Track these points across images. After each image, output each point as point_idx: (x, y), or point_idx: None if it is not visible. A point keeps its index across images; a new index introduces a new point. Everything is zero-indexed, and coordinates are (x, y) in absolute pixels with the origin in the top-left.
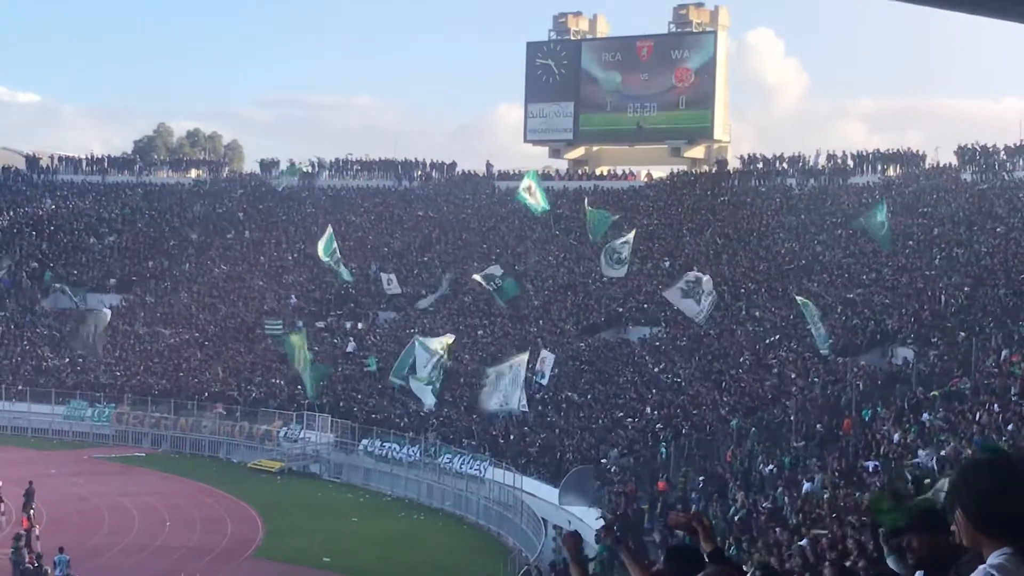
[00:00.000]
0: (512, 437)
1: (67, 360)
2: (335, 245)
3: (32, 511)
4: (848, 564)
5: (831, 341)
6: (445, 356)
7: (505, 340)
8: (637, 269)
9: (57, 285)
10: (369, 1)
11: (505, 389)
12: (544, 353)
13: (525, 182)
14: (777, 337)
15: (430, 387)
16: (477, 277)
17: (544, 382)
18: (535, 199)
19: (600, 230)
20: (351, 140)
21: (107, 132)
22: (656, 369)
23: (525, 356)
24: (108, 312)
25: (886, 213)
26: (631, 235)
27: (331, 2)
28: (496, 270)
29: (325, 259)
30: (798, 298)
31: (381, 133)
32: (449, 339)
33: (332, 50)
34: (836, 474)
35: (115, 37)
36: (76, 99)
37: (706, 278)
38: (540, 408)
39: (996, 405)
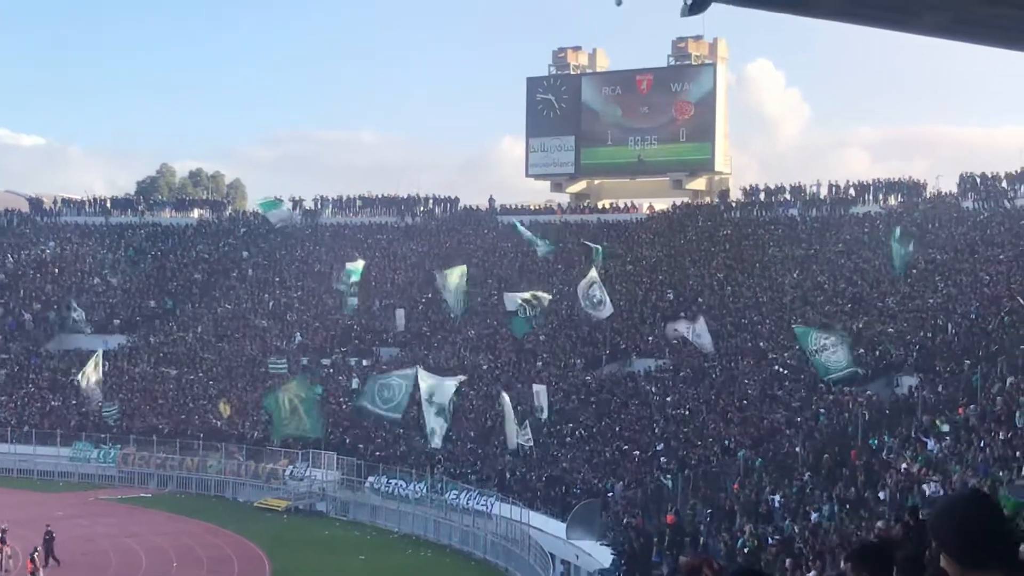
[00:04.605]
0: (518, 472)
1: (75, 401)
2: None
3: (36, 553)
4: None
5: (851, 369)
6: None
7: (510, 374)
8: (642, 301)
9: (75, 314)
10: (372, 37)
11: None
12: (536, 387)
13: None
14: (782, 368)
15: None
16: (516, 297)
17: (544, 416)
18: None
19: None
20: (356, 176)
21: (112, 173)
22: (661, 401)
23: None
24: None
25: (901, 240)
26: (592, 273)
27: (333, 39)
28: (543, 299)
29: (343, 286)
30: (795, 327)
31: (386, 169)
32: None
33: (336, 87)
34: (844, 504)
35: (120, 78)
36: (81, 141)
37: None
38: (545, 442)
39: (1002, 433)
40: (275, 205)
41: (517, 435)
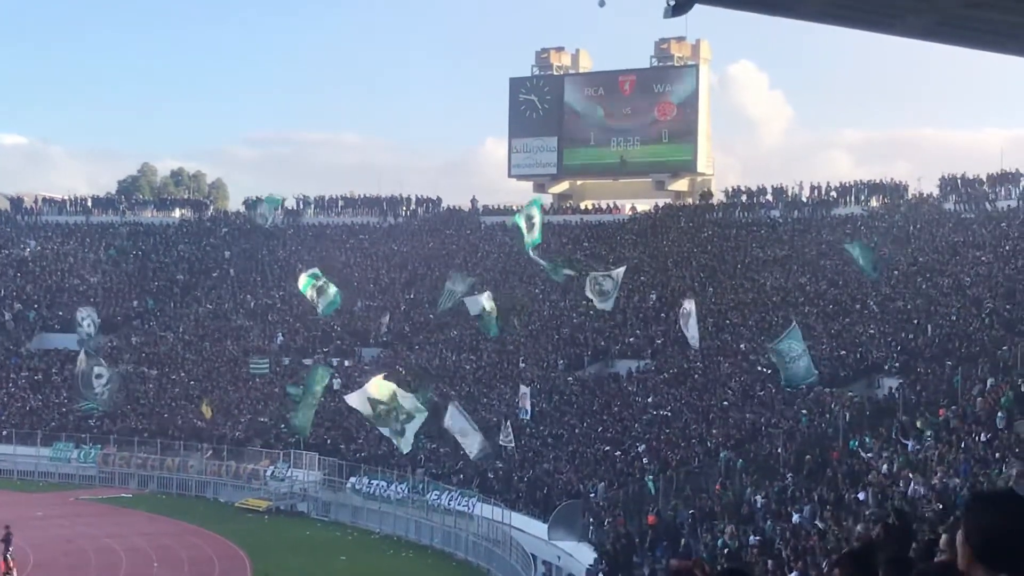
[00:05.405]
0: (500, 472)
1: (55, 401)
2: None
3: (9, 554)
4: None
5: (816, 373)
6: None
7: (492, 374)
8: (624, 303)
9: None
10: (356, 38)
11: (468, 438)
12: (522, 388)
13: (531, 210)
14: (764, 369)
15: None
16: (462, 296)
17: (527, 417)
18: (531, 231)
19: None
20: (339, 177)
21: (93, 173)
22: (643, 402)
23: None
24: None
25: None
26: (619, 270)
27: (317, 40)
28: (487, 301)
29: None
30: (768, 345)
31: (369, 169)
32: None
33: (319, 88)
34: (825, 505)
35: (102, 78)
36: (63, 140)
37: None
38: (528, 443)
39: (983, 434)
40: (267, 203)
41: (478, 447)
